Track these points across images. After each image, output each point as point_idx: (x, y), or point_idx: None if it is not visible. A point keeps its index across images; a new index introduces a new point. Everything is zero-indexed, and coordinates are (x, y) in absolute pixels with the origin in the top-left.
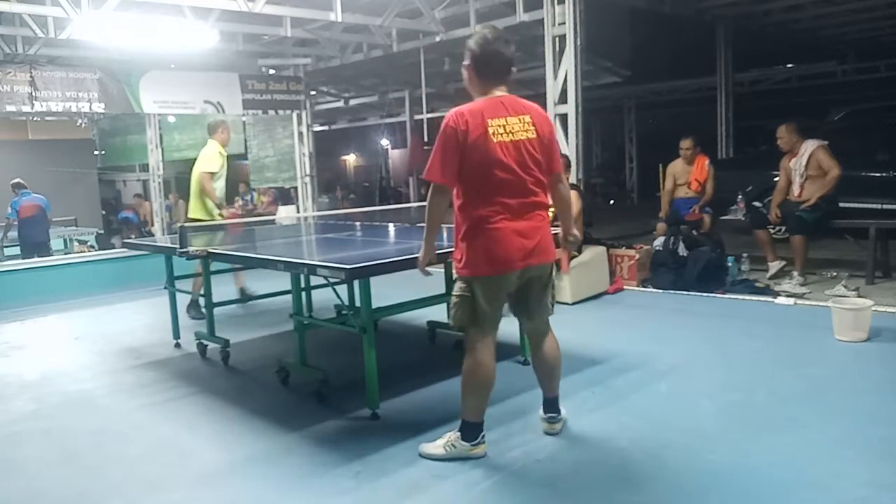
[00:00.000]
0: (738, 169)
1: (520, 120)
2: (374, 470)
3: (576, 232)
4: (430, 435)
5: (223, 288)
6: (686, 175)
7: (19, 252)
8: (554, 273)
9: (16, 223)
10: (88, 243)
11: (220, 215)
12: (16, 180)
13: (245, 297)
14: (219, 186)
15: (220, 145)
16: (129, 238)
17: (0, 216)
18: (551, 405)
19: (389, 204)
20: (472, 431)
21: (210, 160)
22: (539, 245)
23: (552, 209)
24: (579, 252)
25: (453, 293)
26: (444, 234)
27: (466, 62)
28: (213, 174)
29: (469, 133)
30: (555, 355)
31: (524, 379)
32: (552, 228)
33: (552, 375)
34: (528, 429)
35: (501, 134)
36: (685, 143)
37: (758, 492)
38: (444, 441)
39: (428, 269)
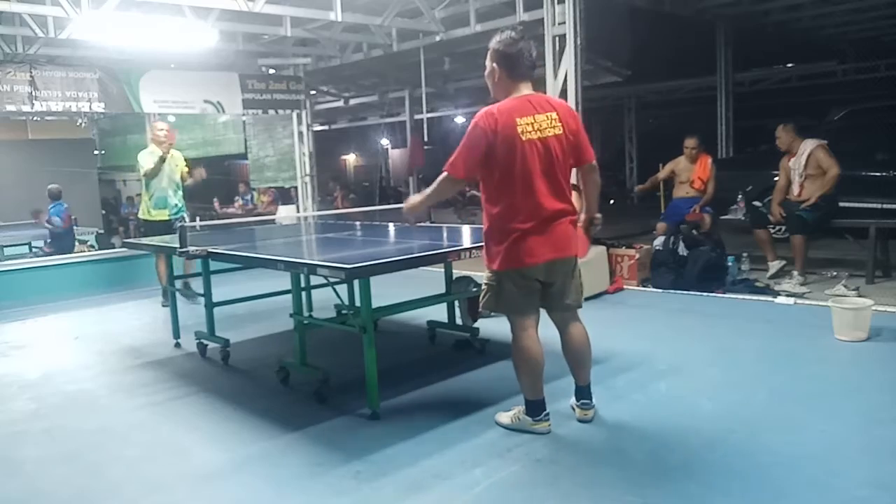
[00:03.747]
0: (738, 168)
1: (547, 117)
2: (374, 470)
3: (599, 215)
4: (430, 434)
5: (223, 288)
6: (688, 173)
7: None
8: (578, 266)
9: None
10: (88, 243)
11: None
12: (55, 186)
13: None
14: (162, 176)
15: (154, 145)
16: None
17: (4, 214)
18: (582, 392)
19: (389, 204)
20: (532, 407)
21: (142, 161)
22: (563, 240)
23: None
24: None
25: (483, 281)
26: (444, 234)
27: (493, 62)
28: (150, 169)
29: (498, 133)
30: (582, 344)
31: None
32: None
33: (582, 364)
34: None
35: (530, 132)
36: (690, 142)
37: (758, 492)
38: (512, 413)
39: (416, 223)
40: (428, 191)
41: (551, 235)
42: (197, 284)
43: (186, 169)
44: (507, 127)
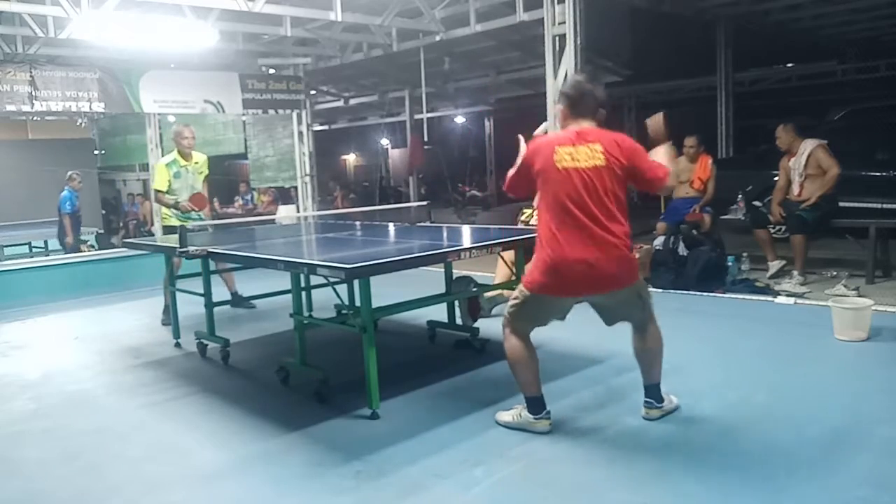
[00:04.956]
0: (738, 168)
1: (589, 148)
2: (374, 469)
3: None
4: (430, 434)
5: (224, 288)
6: (688, 173)
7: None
8: (639, 285)
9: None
10: (88, 243)
11: (183, 208)
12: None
13: (238, 299)
14: (181, 188)
15: (176, 153)
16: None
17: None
18: (650, 391)
19: (389, 203)
20: (532, 405)
21: (156, 176)
22: (607, 274)
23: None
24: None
25: (515, 294)
26: (444, 234)
27: (558, 103)
28: (163, 191)
29: (535, 162)
30: (652, 346)
31: None
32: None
33: (650, 363)
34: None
35: (567, 161)
36: (689, 142)
37: (758, 491)
38: (514, 411)
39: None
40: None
41: (589, 269)
42: (196, 285)
43: (206, 173)
44: (546, 156)
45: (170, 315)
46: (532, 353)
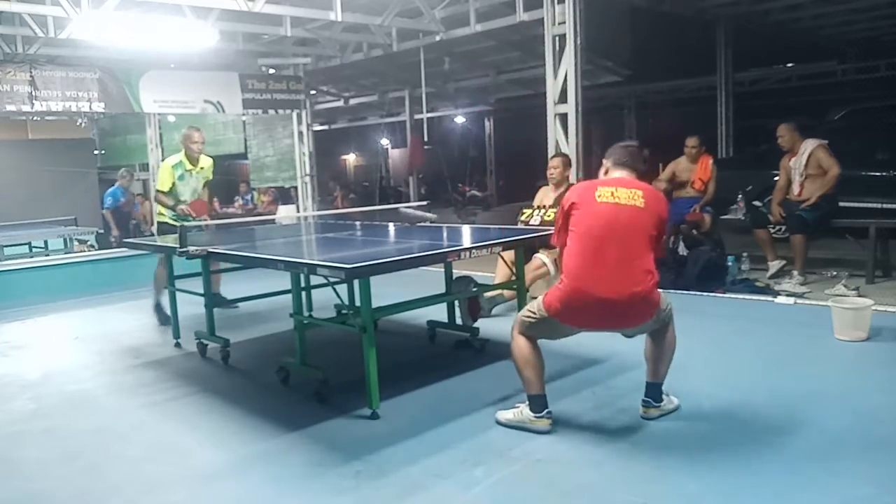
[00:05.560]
0: (738, 168)
1: (630, 192)
2: (374, 469)
3: None
4: (430, 434)
5: (223, 288)
6: (689, 173)
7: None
8: (659, 314)
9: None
10: (88, 243)
11: (181, 212)
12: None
13: (220, 299)
14: (184, 191)
15: (183, 156)
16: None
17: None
18: (651, 390)
19: (389, 203)
20: (534, 403)
21: (160, 176)
22: (627, 313)
23: None
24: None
25: (533, 307)
26: (444, 234)
27: (605, 159)
28: (164, 192)
29: (573, 199)
30: (662, 347)
31: None
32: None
33: (659, 362)
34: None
35: (607, 196)
36: (691, 142)
37: (758, 491)
38: (516, 409)
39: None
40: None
41: (612, 310)
42: (196, 285)
43: (209, 178)
44: (586, 192)
45: (161, 313)
46: (538, 353)
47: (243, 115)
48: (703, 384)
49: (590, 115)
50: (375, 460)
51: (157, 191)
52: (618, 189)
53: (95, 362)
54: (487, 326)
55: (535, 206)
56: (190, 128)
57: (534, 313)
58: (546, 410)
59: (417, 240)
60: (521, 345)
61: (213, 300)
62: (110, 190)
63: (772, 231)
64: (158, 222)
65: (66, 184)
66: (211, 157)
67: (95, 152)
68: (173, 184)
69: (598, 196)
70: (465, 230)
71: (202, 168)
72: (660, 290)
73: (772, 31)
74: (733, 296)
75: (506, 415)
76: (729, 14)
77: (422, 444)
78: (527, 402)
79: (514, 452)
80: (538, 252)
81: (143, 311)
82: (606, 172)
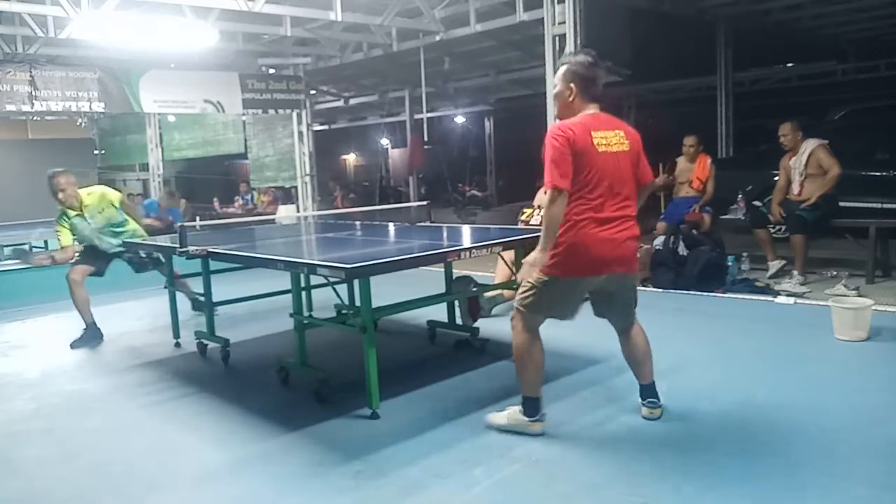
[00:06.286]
0: (738, 168)
1: (615, 134)
2: (374, 469)
3: None
4: (430, 434)
5: (223, 288)
6: (687, 173)
7: None
8: (636, 277)
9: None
10: None
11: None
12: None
13: (197, 303)
14: (92, 236)
15: (64, 206)
16: None
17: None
18: (647, 391)
19: (389, 203)
20: (530, 406)
21: (59, 237)
22: (626, 255)
23: None
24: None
25: (533, 280)
26: (444, 234)
27: (569, 82)
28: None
29: (577, 143)
30: (641, 346)
31: None
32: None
33: (642, 363)
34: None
35: (604, 146)
36: (689, 141)
37: (758, 492)
38: (507, 413)
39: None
40: (543, 238)
41: (613, 248)
42: (196, 285)
43: (117, 196)
44: (584, 140)
45: (89, 338)
46: (541, 350)
47: (243, 114)
48: (703, 384)
49: None
50: (375, 460)
51: (62, 248)
52: (607, 133)
53: (95, 362)
54: (487, 326)
55: (536, 206)
56: (52, 173)
57: (533, 287)
58: (542, 413)
59: (417, 240)
60: (524, 340)
61: (195, 304)
62: (147, 201)
63: (772, 231)
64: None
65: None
66: (211, 156)
67: (95, 152)
68: (74, 237)
69: (597, 145)
70: (465, 230)
71: (88, 206)
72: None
73: (772, 31)
74: (733, 296)
75: (498, 419)
76: (729, 14)
77: (422, 444)
78: (520, 406)
79: (514, 452)
80: None
81: (143, 311)
82: (573, 100)
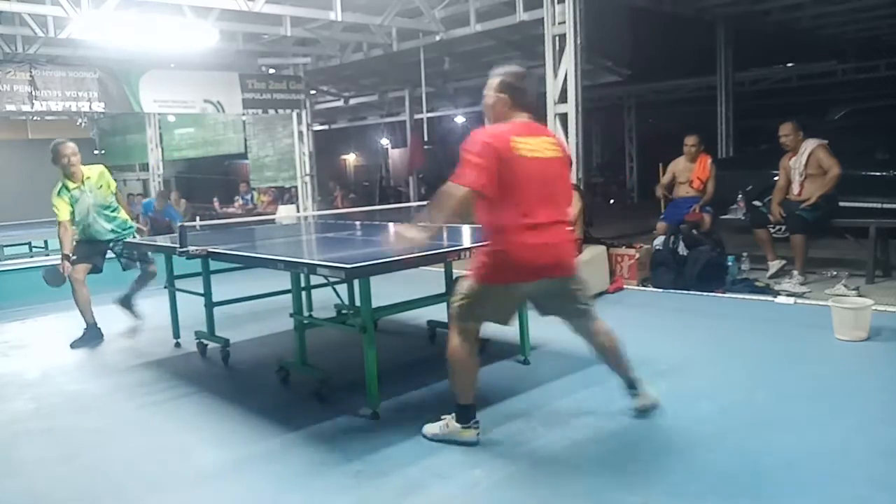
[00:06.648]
0: (738, 168)
1: (544, 140)
2: (375, 469)
3: None
4: None
5: (223, 288)
6: (688, 173)
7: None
8: (576, 279)
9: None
10: None
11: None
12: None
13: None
14: (81, 211)
15: (62, 177)
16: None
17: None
18: (629, 383)
19: (389, 203)
20: (463, 413)
21: (56, 208)
22: (560, 260)
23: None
24: (579, 251)
25: (462, 291)
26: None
27: (499, 92)
28: (67, 220)
29: (499, 149)
30: (606, 343)
31: (525, 379)
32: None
33: (615, 360)
34: (528, 429)
35: (532, 151)
36: (690, 140)
37: (758, 492)
38: (442, 422)
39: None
40: (431, 218)
41: (543, 254)
42: (196, 284)
43: (114, 183)
44: (506, 146)
45: (90, 338)
46: (476, 357)
47: (243, 114)
48: (703, 384)
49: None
50: (375, 460)
51: (59, 222)
52: (530, 139)
53: (95, 362)
54: (487, 326)
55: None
56: (57, 142)
57: (466, 295)
58: (474, 420)
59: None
60: (458, 345)
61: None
62: (146, 201)
63: (772, 231)
64: (77, 242)
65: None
66: (211, 156)
67: (95, 152)
68: (72, 211)
69: (518, 150)
70: (465, 230)
71: (89, 178)
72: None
73: (772, 31)
74: (733, 296)
75: (432, 428)
76: (729, 14)
77: (422, 444)
78: (453, 415)
79: (514, 452)
80: None
81: (143, 311)
82: (503, 109)
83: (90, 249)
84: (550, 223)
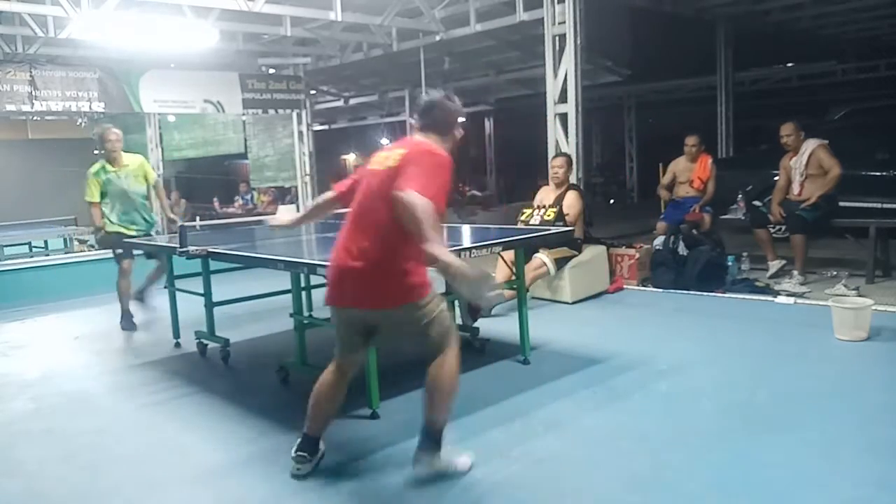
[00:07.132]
0: (738, 168)
1: (392, 153)
2: (375, 469)
3: (442, 258)
4: None
5: (223, 288)
6: (688, 173)
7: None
8: (411, 311)
9: None
10: (88, 243)
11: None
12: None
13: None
14: (115, 196)
15: (105, 161)
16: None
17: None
18: (421, 432)
19: None
20: (306, 442)
21: (87, 187)
22: (355, 289)
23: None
24: (579, 251)
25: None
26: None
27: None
28: (95, 202)
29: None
30: (436, 378)
31: (525, 379)
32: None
33: (429, 395)
34: (528, 429)
35: (372, 163)
36: (691, 140)
37: (758, 491)
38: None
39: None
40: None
41: (339, 278)
42: (196, 284)
43: (153, 175)
44: (367, 163)
45: (129, 321)
46: (326, 396)
47: (243, 114)
48: (703, 384)
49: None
50: (375, 460)
51: (87, 202)
52: (381, 154)
53: (95, 362)
54: (487, 326)
55: (536, 206)
56: (104, 127)
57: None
58: (306, 454)
59: None
60: (324, 376)
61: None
62: None
63: (772, 231)
64: (107, 232)
65: (65, 184)
66: (211, 156)
67: (95, 152)
68: (103, 192)
69: (370, 164)
70: (465, 230)
71: (127, 166)
72: (428, 286)
73: (772, 31)
74: (733, 296)
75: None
76: (729, 14)
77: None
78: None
79: (514, 452)
80: (538, 252)
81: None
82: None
83: (122, 244)
84: (349, 248)
